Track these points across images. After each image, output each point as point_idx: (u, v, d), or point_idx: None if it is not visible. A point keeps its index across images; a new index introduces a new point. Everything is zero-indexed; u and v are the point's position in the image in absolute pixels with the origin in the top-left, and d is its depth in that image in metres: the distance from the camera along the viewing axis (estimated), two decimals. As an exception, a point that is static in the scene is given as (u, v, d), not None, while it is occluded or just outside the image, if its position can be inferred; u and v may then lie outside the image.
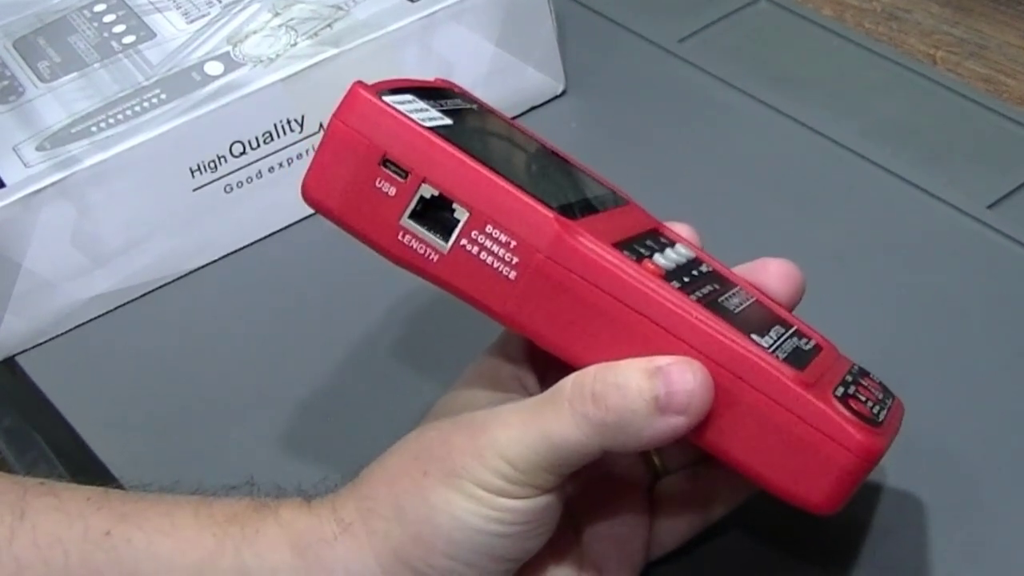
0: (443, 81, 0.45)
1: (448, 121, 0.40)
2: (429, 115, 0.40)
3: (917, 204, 0.60)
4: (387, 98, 0.39)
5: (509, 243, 0.38)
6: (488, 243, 0.38)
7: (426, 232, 0.39)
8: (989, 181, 0.60)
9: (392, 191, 0.38)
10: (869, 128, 0.64)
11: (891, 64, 0.68)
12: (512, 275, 0.38)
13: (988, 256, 0.57)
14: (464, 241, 0.38)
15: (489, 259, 0.38)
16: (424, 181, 0.38)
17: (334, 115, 0.39)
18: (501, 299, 0.38)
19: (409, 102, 0.40)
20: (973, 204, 0.59)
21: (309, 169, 0.39)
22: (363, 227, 0.39)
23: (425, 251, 0.39)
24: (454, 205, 0.38)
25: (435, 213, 0.38)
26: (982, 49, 0.69)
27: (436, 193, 0.38)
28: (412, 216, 0.39)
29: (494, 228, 0.38)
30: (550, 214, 0.38)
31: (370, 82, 0.40)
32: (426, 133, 0.38)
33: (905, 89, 0.66)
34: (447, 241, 0.38)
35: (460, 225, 0.38)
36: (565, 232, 0.38)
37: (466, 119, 0.42)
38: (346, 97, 0.39)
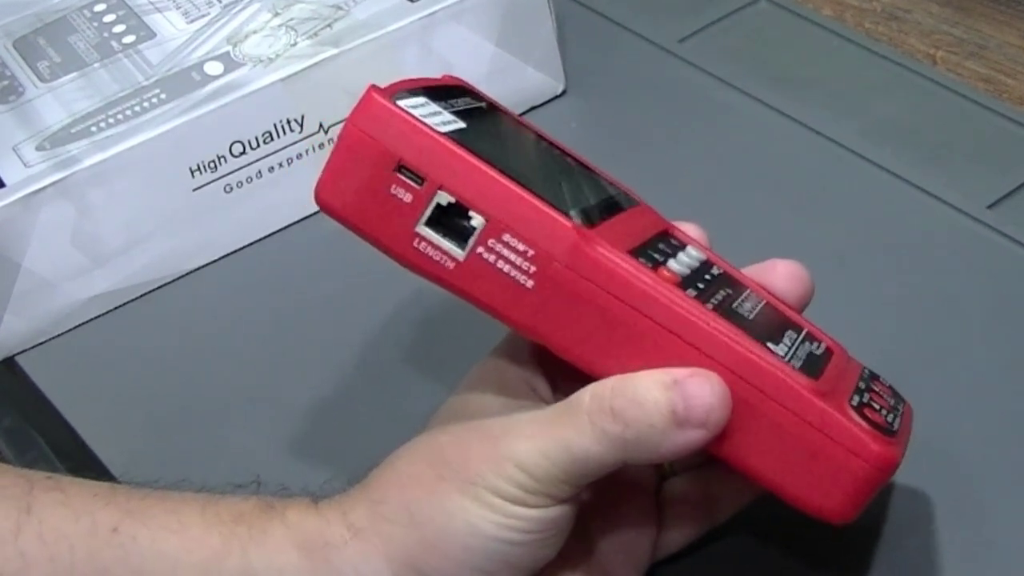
0: (450, 78, 0.45)
1: (462, 124, 0.40)
2: (443, 119, 0.39)
3: (917, 204, 0.60)
4: (401, 103, 0.39)
5: (526, 252, 0.38)
6: (505, 251, 0.38)
7: (442, 239, 0.38)
8: (989, 181, 0.60)
9: (408, 198, 0.38)
10: (869, 128, 0.64)
11: (891, 64, 0.68)
12: (529, 284, 0.38)
13: (988, 256, 0.57)
14: (480, 249, 0.38)
15: (506, 267, 0.38)
16: (440, 188, 0.38)
17: (349, 119, 0.38)
18: (518, 308, 0.38)
19: (423, 105, 0.40)
20: (973, 204, 0.59)
21: (322, 173, 0.39)
22: (377, 233, 0.39)
23: (441, 258, 0.38)
24: (471, 212, 0.38)
25: (451, 220, 0.38)
26: (982, 49, 0.69)
27: (452, 200, 0.38)
28: (428, 223, 0.38)
29: (511, 236, 0.38)
30: (568, 223, 0.38)
31: (381, 84, 0.39)
32: (442, 140, 0.38)
33: (905, 89, 0.66)
34: (463, 249, 0.38)
35: (477, 233, 0.38)
36: (583, 241, 0.38)
37: (478, 120, 0.42)
38: (361, 101, 0.38)
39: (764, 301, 0.42)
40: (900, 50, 0.69)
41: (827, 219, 0.59)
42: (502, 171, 0.38)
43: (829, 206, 0.60)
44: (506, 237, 0.38)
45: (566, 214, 0.38)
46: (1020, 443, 0.49)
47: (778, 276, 0.43)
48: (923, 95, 0.66)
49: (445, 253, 0.38)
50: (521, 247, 0.38)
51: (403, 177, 0.38)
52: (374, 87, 0.39)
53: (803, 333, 0.41)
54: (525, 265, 0.38)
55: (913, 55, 0.69)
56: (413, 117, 0.38)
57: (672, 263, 0.40)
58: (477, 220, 0.38)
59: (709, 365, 0.37)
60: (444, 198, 0.38)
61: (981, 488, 0.48)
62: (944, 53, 0.69)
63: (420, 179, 0.38)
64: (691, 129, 0.65)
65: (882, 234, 0.59)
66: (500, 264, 0.38)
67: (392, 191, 0.38)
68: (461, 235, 0.38)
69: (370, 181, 0.38)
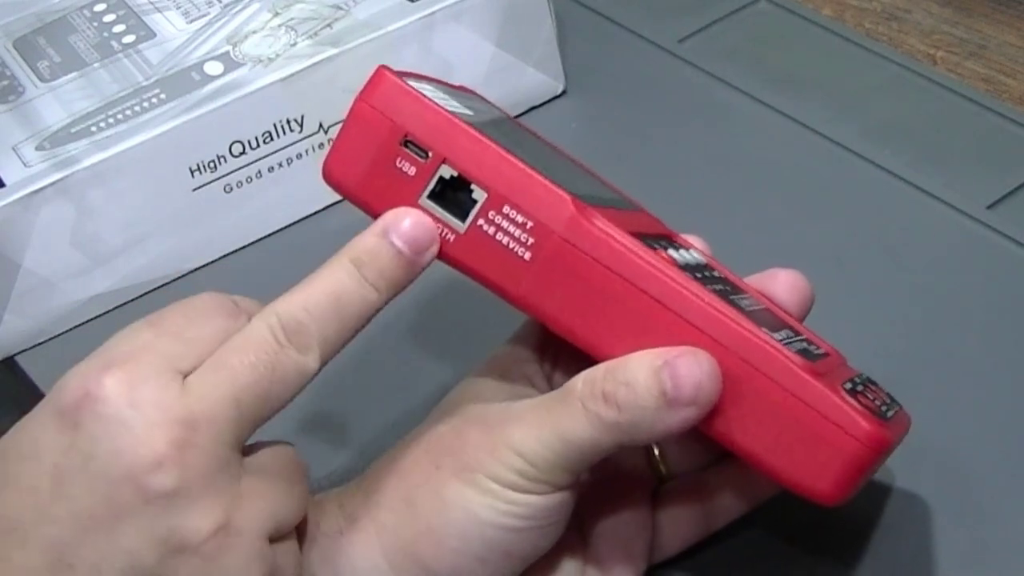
0: (465, 88, 0.45)
1: (469, 112, 0.41)
2: (450, 103, 0.40)
3: (917, 205, 0.60)
4: (411, 82, 0.39)
5: (526, 224, 0.38)
6: (505, 224, 0.38)
7: (444, 212, 0.39)
8: (989, 181, 0.60)
9: (412, 171, 0.39)
10: (869, 128, 0.64)
11: (891, 64, 0.68)
12: (527, 256, 0.38)
13: (988, 257, 0.57)
14: (481, 221, 0.39)
15: (505, 240, 0.38)
16: (444, 162, 0.39)
17: (358, 96, 0.39)
18: (515, 280, 0.39)
19: (432, 89, 0.41)
20: (973, 204, 0.59)
21: (331, 149, 0.40)
22: (382, 207, 0.39)
23: (442, 231, 0.39)
24: (472, 186, 0.39)
25: (453, 194, 0.39)
26: (982, 49, 0.69)
27: (455, 174, 0.39)
28: (431, 196, 0.39)
29: (511, 209, 0.38)
30: (567, 196, 0.38)
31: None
32: (448, 115, 0.39)
33: (905, 89, 0.66)
34: (464, 221, 0.39)
35: (478, 206, 0.39)
36: (581, 214, 0.38)
37: (487, 115, 0.43)
38: (371, 78, 0.39)
39: (764, 306, 0.42)
40: (900, 50, 0.69)
41: (826, 219, 0.59)
42: (504, 147, 0.39)
43: (828, 206, 0.60)
44: (506, 209, 0.38)
45: (566, 190, 0.38)
46: (1019, 443, 0.49)
47: (779, 285, 0.43)
48: (923, 95, 0.66)
49: (446, 226, 0.39)
50: (520, 219, 0.38)
51: (408, 151, 0.39)
52: (384, 66, 0.40)
53: (801, 336, 0.41)
54: (524, 237, 0.38)
55: (913, 55, 0.69)
56: (420, 93, 0.39)
57: (672, 252, 0.40)
58: (478, 193, 0.39)
59: (703, 341, 0.38)
60: (447, 171, 0.39)
61: (980, 488, 0.48)
62: (944, 53, 0.69)
63: (425, 153, 0.39)
64: (691, 129, 0.65)
65: (881, 234, 0.59)
66: (499, 236, 0.39)
67: (397, 165, 0.39)
68: (462, 208, 0.39)
69: (376, 155, 0.39)
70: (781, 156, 0.63)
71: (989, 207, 0.59)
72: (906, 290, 0.56)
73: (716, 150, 0.64)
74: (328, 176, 0.40)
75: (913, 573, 0.45)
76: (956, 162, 0.62)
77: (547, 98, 0.67)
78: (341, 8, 0.62)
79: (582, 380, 0.38)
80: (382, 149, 0.39)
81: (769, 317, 0.41)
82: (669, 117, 0.66)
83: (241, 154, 0.59)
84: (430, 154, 0.39)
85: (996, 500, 0.47)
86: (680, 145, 0.64)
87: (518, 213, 0.38)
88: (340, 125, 0.40)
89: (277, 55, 0.60)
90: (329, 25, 0.61)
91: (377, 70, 0.39)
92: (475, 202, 0.39)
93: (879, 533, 0.46)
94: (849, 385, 0.39)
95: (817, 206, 0.60)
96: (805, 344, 0.40)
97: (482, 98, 0.46)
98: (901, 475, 0.48)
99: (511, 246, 0.38)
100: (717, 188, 0.62)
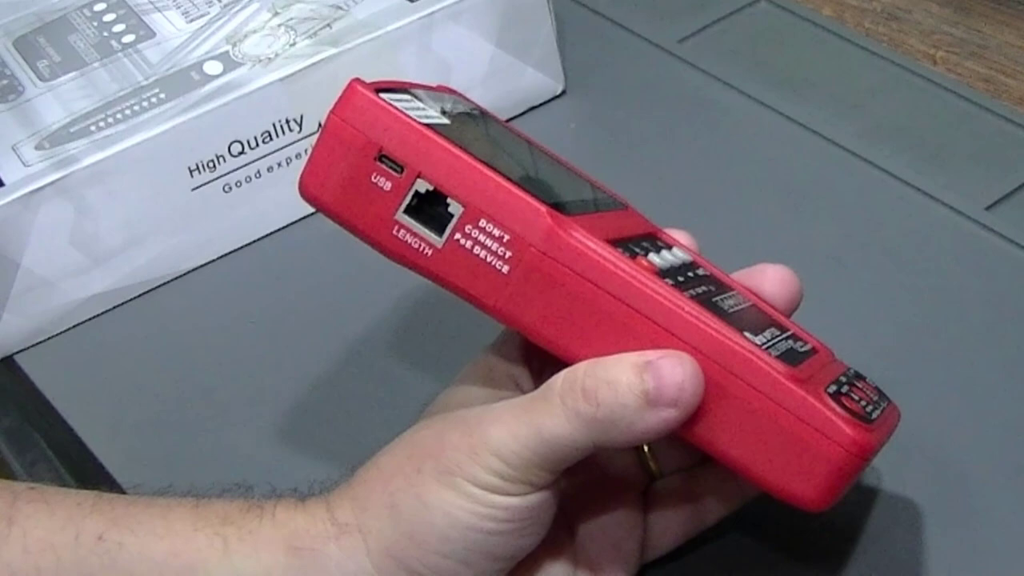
0: (445, 87, 0.45)
1: (445, 120, 0.40)
2: (425, 113, 0.40)
3: (916, 205, 0.60)
4: (384, 95, 0.39)
5: (502, 237, 0.38)
6: (482, 237, 0.38)
7: (421, 227, 0.39)
8: (988, 182, 0.60)
9: (387, 186, 0.39)
10: (868, 129, 0.64)
11: (891, 64, 0.68)
12: (505, 269, 0.38)
13: (987, 258, 0.57)
14: (458, 235, 0.38)
15: (482, 253, 0.38)
16: (419, 176, 0.38)
17: (332, 111, 0.39)
18: (494, 293, 0.39)
19: (406, 100, 0.40)
20: (972, 205, 0.59)
21: (306, 164, 0.39)
22: (359, 222, 0.39)
23: (420, 245, 0.39)
24: (448, 200, 0.38)
25: (430, 208, 0.39)
26: (982, 49, 0.69)
27: (431, 188, 0.38)
28: (407, 211, 0.39)
29: (488, 222, 0.38)
30: (543, 208, 0.38)
31: (369, 80, 0.40)
32: (421, 128, 0.39)
33: (905, 89, 0.66)
34: (441, 235, 0.39)
35: (454, 219, 0.38)
36: (558, 226, 0.38)
37: (464, 120, 0.42)
38: (344, 93, 0.39)
39: (750, 303, 0.42)
40: (900, 50, 0.69)
41: (825, 220, 0.59)
42: (479, 159, 0.39)
43: (827, 207, 0.60)
44: (483, 223, 0.38)
45: (543, 201, 0.38)
46: (1018, 444, 0.49)
47: (766, 280, 0.43)
48: (923, 95, 0.66)
49: (424, 240, 0.39)
50: (497, 232, 0.38)
51: (383, 166, 0.39)
52: (357, 80, 0.39)
53: (787, 333, 0.41)
54: (501, 250, 0.38)
55: (913, 55, 0.69)
56: (393, 107, 0.39)
57: (652, 256, 0.40)
58: (455, 207, 0.38)
59: (682, 349, 0.38)
60: (423, 186, 0.39)
61: (979, 489, 0.48)
62: (944, 53, 0.69)
63: (399, 167, 0.39)
64: (690, 129, 0.65)
65: (880, 235, 0.59)
66: (477, 250, 0.38)
67: (373, 180, 0.39)
68: (439, 222, 0.39)
69: (352, 170, 0.39)
70: (781, 156, 0.63)
71: (988, 208, 0.59)
72: (905, 290, 0.56)
73: (716, 150, 0.64)
74: (304, 192, 0.40)
75: (907, 571, 0.45)
76: (956, 162, 0.62)
77: (547, 98, 0.67)
78: (341, 8, 0.62)
79: (562, 377, 0.38)
80: (357, 164, 0.39)
81: (754, 316, 0.41)
82: (669, 117, 0.66)
83: (240, 154, 0.59)
84: (405, 169, 0.38)
85: (994, 501, 0.47)
86: (680, 145, 0.64)
87: (495, 226, 0.38)
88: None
89: (276, 55, 0.60)
90: (329, 25, 0.61)
91: (349, 84, 0.39)
92: (452, 216, 0.38)
93: (875, 533, 0.46)
94: (834, 387, 0.39)
95: (817, 206, 0.60)
96: (791, 343, 0.40)
97: (463, 98, 0.45)
98: (899, 475, 0.48)
99: (489, 259, 0.38)
100: (716, 188, 0.62)
